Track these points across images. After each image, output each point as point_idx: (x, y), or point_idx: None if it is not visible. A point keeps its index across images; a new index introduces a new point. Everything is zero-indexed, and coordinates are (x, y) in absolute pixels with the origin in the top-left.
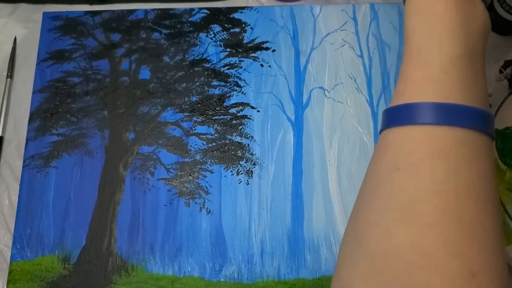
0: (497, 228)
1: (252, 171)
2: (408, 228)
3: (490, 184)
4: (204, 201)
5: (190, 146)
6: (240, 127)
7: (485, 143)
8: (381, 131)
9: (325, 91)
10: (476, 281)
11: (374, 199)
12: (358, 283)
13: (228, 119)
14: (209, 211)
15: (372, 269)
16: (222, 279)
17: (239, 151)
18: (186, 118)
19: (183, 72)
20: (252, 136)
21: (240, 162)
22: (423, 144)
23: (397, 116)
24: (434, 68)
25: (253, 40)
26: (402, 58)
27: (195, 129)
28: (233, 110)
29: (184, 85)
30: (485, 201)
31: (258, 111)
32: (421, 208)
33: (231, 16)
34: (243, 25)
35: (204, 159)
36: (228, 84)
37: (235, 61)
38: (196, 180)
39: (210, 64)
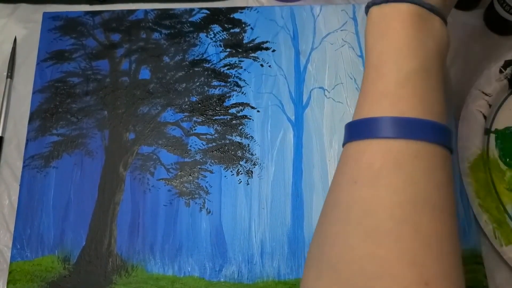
0: (452, 238)
1: (252, 171)
2: (366, 238)
3: (446, 194)
4: (204, 201)
5: (190, 146)
6: (240, 127)
7: (441, 155)
8: (343, 144)
9: (325, 91)
10: None
11: (335, 210)
12: None
13: (228, 119)
14: (209, 211)
15: (336, 280)
16: (222, 279)
17: (239, 151)
18: (186, 118)
19: (183, 72)
20: (252, 136)
21: (240, 162)
22: (380, 157)
23: (356, 131)
24: (390, 83)
25: (253, 40)
26: (363, 73)
27: (195, 129)
28: (233, 110)
29: (184, 85)
30: (441, 211)
31: (258, 111)
32: (378, 219)
33: (231, 16)
34: (243, 25)
35: (204, 159)
36: (228, 84)
37: (235, 61)
38: (196, 180)
39: (210, 64)
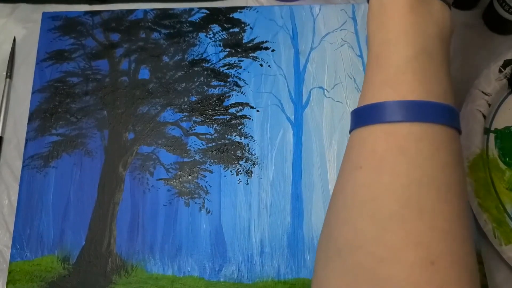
0: (460, 217)
1: (251, 171)
2: (372, 222)
3: (453, 175)
4: (204, 201)
5: (190, 146)
6: (240, 127)
7: (447, 135)
8: (350, 131)
9: (325, 90)
10: (435, 268)
11: (341, 196)
12: (332, 280)
13: (227, 119)
14: (209, 211)
15: (343, 266)
16: (221, 279)
17: (238, 151)
18: (185, 118)
19: (183, 72)
20: (251, 136)
21: (240, 162)
22: (383, 141)
23: (360, 117)
24: (391, 70)
25: (252, 40)
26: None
27: (194, 129)
28: (232, 110)
29: (183, 85)
30: (446, 192)
31: (257, 111)
32: (383, 202)
33: (231, 16)
34: (243, 25)
35: (203, 159)
36: (228, 84)
37: (235, 61)
38: (196, 180)
39: (210, 64)
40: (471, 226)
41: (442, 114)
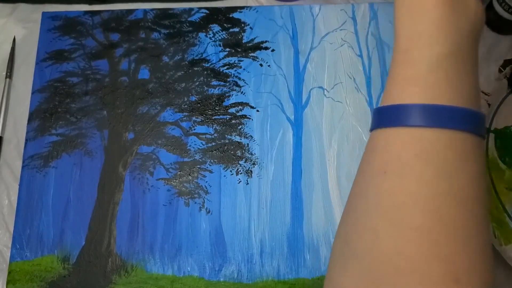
0: (485, 232)
1: (251, 171)
2: (394, 232)
3: (479, 187)
4: (204, 201)
5: (190, 146)
6: (240, 126)
7: (475, 143)
8: (371, 130)
9: (325, 90)
10: (460, 287)
11: (362, 201)
12: (347, 283)
13: (227, 118)
14: (209, 211)
15: (361, 272)
16: (221, 279)
17: (238, 151)
18: (185, 118)
19: (183, 72)
20: (251, 136)
21: (240, 162)
22: (410, 147)
23: (385, 117)
24: (421, 68)
25: (252, 39)
26: (392, 56)
27: (194, 129)
28: (232, 110)
29: (183, 85)
30: (473, 205)
31: (257, 110)
32: (408, 212)
33: (230, 15)
34: (242, 25)
35: (203, 159)
36: (228, 84)
37: (235, 61)
38: (196, 180)
39: (210, 64)
40: (491, 241)
41: (472, 121)
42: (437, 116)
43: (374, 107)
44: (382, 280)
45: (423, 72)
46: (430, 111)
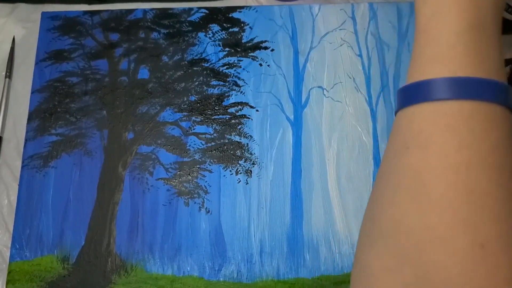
0: (511, 200)
1: (251, 171)
2: (418, 204)
3: (504, 155)
4: (203, 200)
5: (189, 145)
6: (239, 126)
7: (498, 113)
8: (395, 112)
9: (324, 90)
10: (485, 252)
11: (386, 179)
12: (375, 263)
13: (227, 118)
14: (208, 211)
15: (387, 249)
16: (221, 279)
17: (238, 151)
18: (185, 118)
19: (182, 72)
20: (251, 136)
21: (239, 162)
22: (432, 120)
23: (407, 96)
24: (441, 45)
25: (252, 39)
26: (414, 38)
27: (194, 129)
28: (232, 110)
29: (183, 84)
30: (498, 173)
31: (257, 110)
32: (430, 184)
33: (230, 15)
34: (242, 25)
35: (203, 159)
36: (227, 84)
37: (234, 61)
38: (195, 180)
39: (209, 63)
40: None
41: (494, 91)
42: (459, 88)
43: (374, 106)
44: (407, 252)
45: (443, 49)
46: (451, 83)
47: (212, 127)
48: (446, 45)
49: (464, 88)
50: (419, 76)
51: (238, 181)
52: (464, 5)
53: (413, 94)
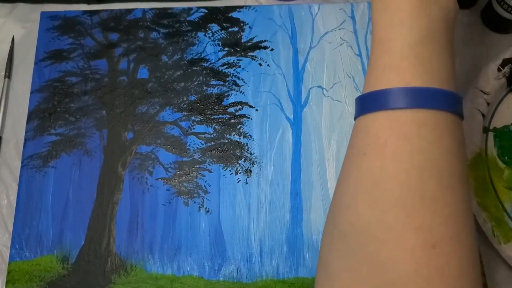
0: (462, 203)
1: (250, 170)
2: (374, 207)
3: (455, 161)
4: (203, 200)
5: (189, 145)
6: (239, 126)
7: (450, 121)
8: (354, 118)
9: (324, 90)
10: (436, 252)
11: (345, 182)
12: (336, 261)
13: (226, 118)
14: (208, 211)
15: (347, 249)
16: (221, 279)
17: (237, 150)
18: (184, 118)
19: (182, 72)
20: (250, 135)
21: (239, 161)
22: (387, 128)
23: (364, 104)
24: (395, 56)
25: (251, 39)
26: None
27: (193, 129)
28: (231, 109)
29: (182, 84)
30: (448, 178)
31: (256, 110)
32: (385, 187)
33: (229, 15)
34: (241, 24)
35: (202, 159)
36: (227, 83)
37: (234, 60)
38: (195, 180)
39: (209, 63)
40: (472, 211)
41: (445, 100)
42: (412, 98)
43: None
44: (364, 253)
45: (397, 59)
46: (405, 93)
47: (211, 126)
48: (400, 56)
49: (417, 98)
50: (375, 85)
51: (237, 181)
52: (417, 18)
53: (370, 102)
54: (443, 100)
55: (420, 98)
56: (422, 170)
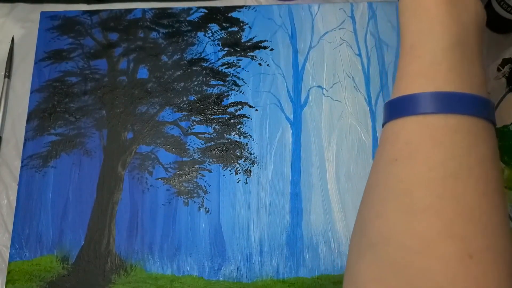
0: (498, 211)
1: (250, 170)
2: (406, 215)
3: (490, 167)
4: (203, 200)
5: (189, 145)
6: (239, 126)
7: (482, 127)
8: (383, 125)
9: (323, 90)
10: (473, 262)
11: (375, 191)
12: (365, 274)
13: (226, 118)
14: (208, 211)
15: (376, 259)
16: (221, 278)
17: (237, 150)
18: (184, 117)
19: (181, 71)
20: (250, 135)
21: (239, 161)
22: (418, 133)
23: (393, 110)
24: (426, 62)
25: (251, 39)
26: (399, 54)
27: (193, 128)
28: (231, 109)
29: (182, 84)
30: (485, 185)
31: (256, 110)
32: (417, 195)
33: (229, 15)
34: (241, 24)
35: (202, 158)
36: (226, 83)
37: (233, 60)
38: (195, 180)
39: (208, 63)
40: (509, 221)
41: (478, 106)
42: (444, 102)
43: (373, 106)
44: (397, 264)
45: (428, 65)
46: (437, 98)
47: (211, 126)
48: (432, 61)
49: (449, 103)
50: (406, 90)
51: (237, 181)
52: (449, 24)
53: (400, 107)
54: (475, 106)
55: (453, 103)
56: (457, 177)
